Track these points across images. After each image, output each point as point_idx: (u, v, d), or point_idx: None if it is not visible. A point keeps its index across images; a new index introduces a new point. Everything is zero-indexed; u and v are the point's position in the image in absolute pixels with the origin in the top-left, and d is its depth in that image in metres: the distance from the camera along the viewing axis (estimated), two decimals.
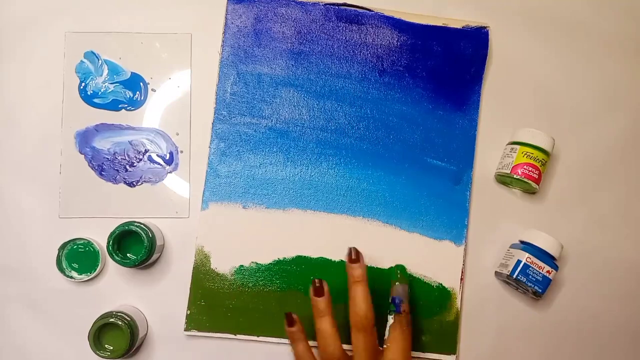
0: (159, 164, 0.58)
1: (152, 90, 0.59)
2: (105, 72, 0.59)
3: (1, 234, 0.57)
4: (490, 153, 0.60)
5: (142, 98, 0.59)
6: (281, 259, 0.57)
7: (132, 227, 0.54)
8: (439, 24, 0.60)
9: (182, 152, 0.58)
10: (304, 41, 0.59)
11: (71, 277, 0.56)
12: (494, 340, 0.59)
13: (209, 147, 0.58)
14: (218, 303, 0.57)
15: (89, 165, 0.58)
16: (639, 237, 0.60)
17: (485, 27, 0.60)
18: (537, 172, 0.56)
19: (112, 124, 0.58)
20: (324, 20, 0.60)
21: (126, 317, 0.53)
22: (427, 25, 0.60)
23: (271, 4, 0.59)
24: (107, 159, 0.58)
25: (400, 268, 0.56)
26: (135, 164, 0.58)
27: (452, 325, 0.58)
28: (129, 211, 0.58)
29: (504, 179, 0.59)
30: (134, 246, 0.55)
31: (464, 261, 0.58)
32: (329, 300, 0.51)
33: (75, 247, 0.56)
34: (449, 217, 0.58)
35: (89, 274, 0.56)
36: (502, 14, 0.61)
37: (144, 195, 0.58)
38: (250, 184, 0.58)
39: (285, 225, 0.58)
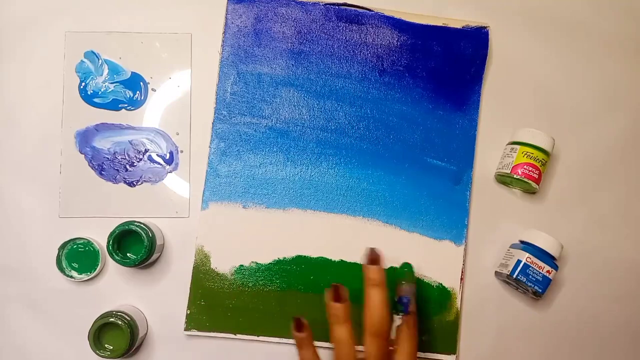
0: (159, 163, 0.58)
1: (152, 90, 0.59)
2: (106, 71, 0.59)
3: (1, 234, 0.57)
4: (490, 153, 0.60)
5: (142, 98, 0.59)
6: (281, 258, 0.57)
7: (132, 226, 0.54)
8: (439, 24, 0.60)
9: (182, 151, 0.58)
10: (304, 41, 0.59)
11: (71, 277, 0.56)
12: (494, 340, 0.59)
13: (209, 147, 0.58)
14: (218, 303, 0.57)
15: (89, 165, 0.58)
16: (639, 237, 0.60)
17: (485, 27, 0.60)
18: (537, 172, 0.56)
19: (112, 124, 0.58)
20: (324, 20, 0.60)
21: (126, 316, 0.53)
22: (427, 25, 0.60)
23: (271, 3, 0.59)
24: (107, 158, 0.58)
25: (408, 267, 0.55)
26: (135, 164, 0.58)
27: (452, 325, 0.58)
28: (129, 211, 0.58)
29: (504, 179, 0.59)
30: (134, 246, 0.55)
31: (464, 261, 0.58)
32: (348, 306, 0.49)
33: (75, 246, 0.56)
34: (449, 217, 0.58)
35: (89, 273, 0.56)
36: (502, 14, 0.61)
37: (144, 195, 0.58)
38: (250, 184, 0.58)
39: (285, 225, 0.58)
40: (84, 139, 0.58)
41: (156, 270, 0.58)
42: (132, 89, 0.59)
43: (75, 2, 0.59)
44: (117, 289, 0.57)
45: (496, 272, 0.58)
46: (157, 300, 0.57)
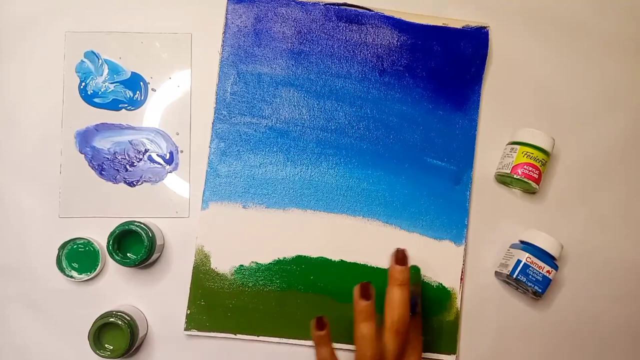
0: (159, 163, 0.58)
1: (152, 90, 0.59)
2: (106, 71, 0.59)
3: (1, 234, 0.57)
4: (490, 153, 0.60)
5: (142, 98, 0.59)
6: (281, 258, 0.57)
7: (132, 226, 0.54)
8: (439, 24, 0.60)
9: (182, 151, 0.58)
10: (304, 41, 0.59)
11: (71, 277, 0.56)
12: (494, 340, 0.59)
13: (209, 147, 0.58)
14: (218, 303, 0.57)
15: (89, 165, 0.58)
16: (639, 237, 0.60)
17: (485, 27, 0.60)
18: (537, 172, 0.56)
19: (112, 124, 0.58)
20: (324, 20, 0.60)
21: (126, 316, 0.53)
22: (427, 25, 0.60)
23: (271, 3, 0.59)
24: (107, 158, 0.58)
25: (415, 269, 0.56)
26: (135, 164, 0.58)
27: (452, 325, 0.58)
28: (129, 211, 0.58)
29: (504, 179, 0.59)
30: (134, 246, 0.55)
31: (464, 261, 0.58)
32: (374, 304, 0.49)
33: (75, 246, 0.56)
34: (449, 217, 0.58)
35: (89, 273, 0.56)
36: (502, 14, 0.61)
37: (144, 195, 0.58)
38: (250, 184, 0.58)
39: (285, 225, 0.58)
40: (84, 139, 0.58)
41: (156, 270, 0.57)
42: (132, 89, 0.59)
43: (75, 2, 0.59)
44: (117, 289, 0.57)
45: (496, 272, 0.58)
46: (157, 300, 0.57)
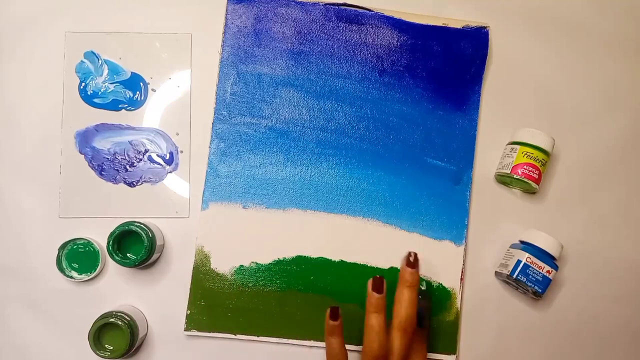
0: (159, 164, 0.58)
1: (152, 90, 0.59)
2: (105, 72, 0.59)
3: (1, 234, 0.57)
4: (490, 153, 0.60)
5: (142, 98, 0.59)
6: (281, 259, 0.57)
7: (132, 227, 0.54)
8: (439, 24, 0.60)
9: (182, 152, 0.58)
10: (304, 41, 0.59)
11: (71, 277, 0.56)
12: (494, 340, 0.59)
13: (209, 147, 0.58)
14: (218, 303, 0.57)
15: (89, 165, 0.58)
16: (639, 237, 0.60)
17: (485, 27, 0.60)
18: (537, 172, 0.56)
19: (112, 124, 0.58)
20: (324, 20, 0.60)
21: (126, 317, 0.53)
22: (427, 25, 0.60)
23: (271, 4, 0.59)
24: (107, 159, 0.58)
25: (427, 283, 0.57)
26: (135, 164, 0.58)
27: (452, 325, 0.58)
28: (129, 211, 0.58)
29: (504, 179, 0.59)
30: (134, 246, 0.55)
31: (464, 261, 0.58)
32: (385, 299, 0.51)
33: (75, 247, 0.56)
34: (449, 217, 0.58)
35: (89, 274, 0.56)
36: (502, 14, 0.61)
37: (144, 195, 0.58)
38: (250, 184, 0.58)
39: (285, 225, 0.58)
40: (84, 139, 0.58)
41: (156, 271, 0.58)
42: (132, 89, 0.59)
43: (75, 2, 0.59)
44: (117, 289, 0.57)
45: (496, 272, 0.58)
46: (157, 300, 0.57)
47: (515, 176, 0.56)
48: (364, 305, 0.51)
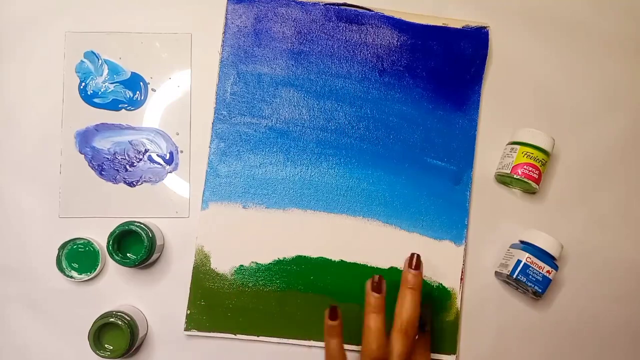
0: (159, 163, 0.58)
1: (152, 90, 0.59)
2: (105, 72, 0.59)
3: (1, 234, 0.57)
4: (490, 153, 0.60)
5: (142, 98, 0.59)
6: (281, 258, 0.57)
7: (132, 227, 0.54)
8: (439, 24, 0.60)
9: (182, 152, 0.58)
10: (304, 41, 0.59)
11: (71, 277, 0.56)
12: (494, 340, 0.59)
13: (209, 147, 0.58)
14: (218, 303, 0.57)
15: (89, 165, 0.58)
16: (639, 237, 0.60)
17: (485, 27, 0.60)
18: (537, 172, 0.56)
19: (112, 124, 0.58)
20: (324, 20, 0.60)
21: (126, 317, 0.53)
22: (427, 25, 0.60)
23: (271, 4, 0.59)
24: (107, 158, 0.58)
25: (427, 285, 0.57)
26: (135, 164, 0.58)
27: (452, 325, 0.58)
28: (129, 211, 0.58)
29: (504, 179, 0.59)
30: (134, 246, 0.55)
31: (464, 261, 0.58)
32: (384, 299, 0.50)
33: (75, 247, 0.56)
34: (449, 217, 0.58)
35: (89, 273, 0.56)
36: (502, 14, 0.61)
37: (144, 195, 0.58)
38: (250, 184, 0.58)
39: (285, 225, 0.58)
40: (84, 139, 0.58)
41: (156, 270, 0.57)
42: (132, 89, 0.59)
43: (75, 2, 0.59)
44: (117, 289, 0.57)
45: (496, 272, 0.58)
46: (157, 300, 0.57)
47: (515, 176, 0.56)
48: (364, 305, 0.51)
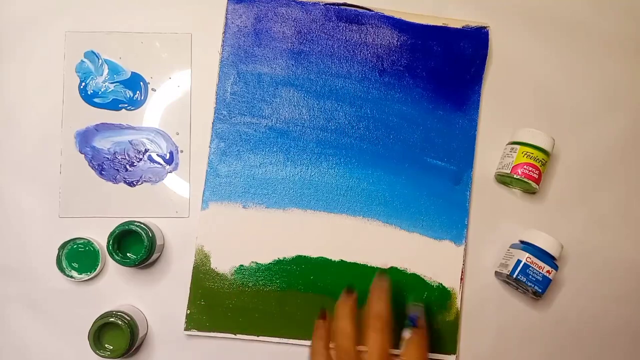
0: (159, 163, 0.58)
1: (152, 90, 0.59)
2: (106, 71, 0.59)
3: (1, 234, 0.57)
4: (490, 153, 0.60)
5: (142, 98, 0.59)
6: (281, 258, 0.57)
7: (132, 226, 0.54)
8: (439, 24, 0.60)
9: (182, 151, 0.58)
10: (304, 41, 0.59)
11: (71, 277, 0.56)
12: (494, 340, 0.59)
13: (209, 147, 0.58)
14: (218, 303, 0.57)
15: (89, 165, 0.58)
16: (639, 237, 0.60)
17: (485, 27, 0.60)
18: (537, 172, 0.56)
19: (112, 124, 0.58)
20: (324, 20, 0.60)
21: (126, 316, 0.53)
22: (427, 25, 0.60)
23: (271, 3, 0.59)
24: (107, 158, 0.58)
25: (416, 298, 0.57)
26: (135, 164, 0.58)
27: (452, 325, 0.58)
28: (129, 211, 0.58)
29: (504, 179, 0.59)
30: (134, 246, 0.55)
31: (464, 261, 0.58)
32: (355, 303, 0.50)
33: (75, 246, 0.56)
34: (449, 217, 0.58)
35: (89, 273, 0.56)
36: (502, 14, 0.61)
37: (144, 195, 0.58)
38: (250, 184, 0.58)
39: (285, 225, 0.58)
40: (84, 139, 0.58)
41: (156, 270, 0.57)
42: (132, 89, 0.59)
43: (75, 2, 0.59)
44: (117, 289, 0.57)
45: (496, 272, 0.58)
46: (157, 300, 0.57)
47: (515, 176, 0.56)
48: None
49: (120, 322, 0.52)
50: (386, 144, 0.59)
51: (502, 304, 0.59)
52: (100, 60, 0.59)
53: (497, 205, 0.60)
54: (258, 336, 0.57)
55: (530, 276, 0.54)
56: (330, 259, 0.58)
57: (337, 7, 0.60)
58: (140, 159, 0.58)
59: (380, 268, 0.57)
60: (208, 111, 0.59)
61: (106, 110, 0.58)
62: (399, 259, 0.58)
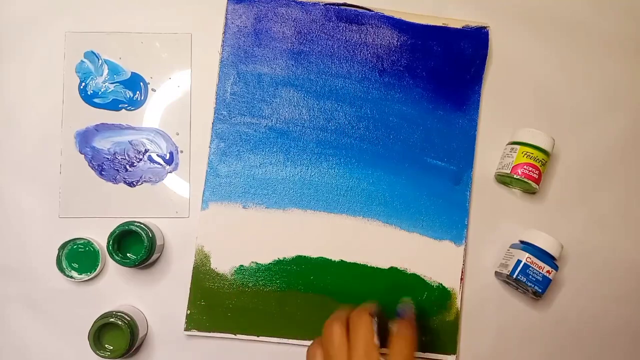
0: (159, 163, 0.58)
1: (152, 90, 0.59)
2: (106, 72, 0.59)
3: (1, 234, 0.57)
4: (490, 153, 0.60)
5: (142, 98, 0.59)
6: (281, 258, 0.57)
7: (132, 227, 0.54)
8: (439, 24, 0.60)
9: (182, 152, 0.58)
10: (304, 41, 0.59)
11: (71, 277, 0.56)
12: (494, 340, 0.59)
13: (209, 147, 0.58)
14: (218, 303, 0.57)
15: (89, 165, 0.58)
16: (639, 237, 0.60)
17: (485, 27, 0.60)
18: (537, 172, 0.56)
19: (112, 124, 0.58)
20: (324, 20, 0.60)
21: (126, 317, 0.53)
22: (427, 25, 0.60)
23: (271, 4, 0.59)
24: (107, 158, 0.58)
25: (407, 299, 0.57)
26: (135, 164, 0.58)
27: (452, 325, 0.58)
28: (129, 211, 0.58)
29: (504, 179, 0.59)
30: (134, 246, 0.55)
31: (464, 261, 0.58)
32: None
33: (75, 247, 0.56)
34: (449, 217, 0.58)
35: (89, 273, 0.56)
36: (502, 14, 0.61)
37: (144, 195, 0.58)
38: (250, 184, 0.58)
39: (285, 225, 0.58)
40: (84, 139, 0.58)
41: (156, 270, 0.57)
42: (132, 89, 0.59)
43: (75, 2, 0.59)
44: (117, 289, 0.57)
45: (496, 272, 0.58)
46: (157, 300, 0.57)
47: (515, 176, 0.56)
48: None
49: (120, 323, 0.52)
50: (386, 144, 0.59)
51: (502, 304, 0.59)
52: (100, 61, 0.59)
53: (497, 205, 0.60)
54: (258, 336, 0.57)
55: (530, 276, 0.54)
56: (330, 259, 0.58)
57: (337, 7, 0.60)
58: (140, 159, 0.58)
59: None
60: (208, 111, 0.59)
61: (106, 110, 0.58)
62: (399, 259, 0.58)
